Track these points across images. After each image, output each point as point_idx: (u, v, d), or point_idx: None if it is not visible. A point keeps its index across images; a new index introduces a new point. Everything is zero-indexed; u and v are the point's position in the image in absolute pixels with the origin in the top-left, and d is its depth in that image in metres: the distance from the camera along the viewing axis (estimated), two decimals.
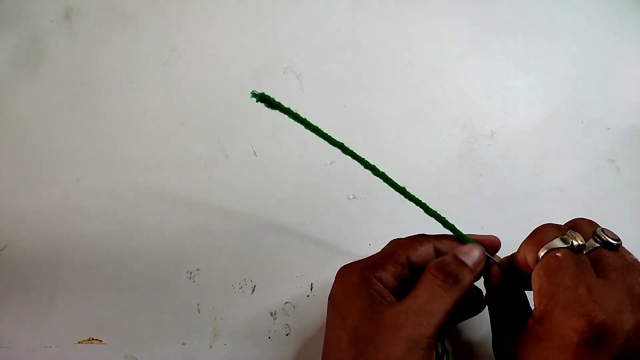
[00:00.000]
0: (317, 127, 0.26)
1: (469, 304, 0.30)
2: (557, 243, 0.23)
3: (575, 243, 0.23)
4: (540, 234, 0.25)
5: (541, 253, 0.24)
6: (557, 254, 0.23)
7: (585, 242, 0.24)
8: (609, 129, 0.42)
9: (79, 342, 0.36)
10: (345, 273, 0.28)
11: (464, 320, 0.33)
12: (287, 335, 0.36)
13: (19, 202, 0.40)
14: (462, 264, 0.26)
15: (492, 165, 0.41)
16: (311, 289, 0.37)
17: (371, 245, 0.38)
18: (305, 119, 0.26)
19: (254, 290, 0.37)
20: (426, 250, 0.28)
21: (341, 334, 0.25)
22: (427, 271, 0.26)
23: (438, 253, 0.28)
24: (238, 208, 0.40)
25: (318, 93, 0.44)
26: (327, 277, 0.38)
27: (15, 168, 0.41)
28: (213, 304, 0.37)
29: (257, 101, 0.24)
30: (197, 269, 0.38)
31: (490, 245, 0.29)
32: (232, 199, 0.40)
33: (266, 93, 0.24)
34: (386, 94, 0.44)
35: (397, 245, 0.28)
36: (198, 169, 0.41)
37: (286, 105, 0.25)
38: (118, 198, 0.40)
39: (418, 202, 0.28)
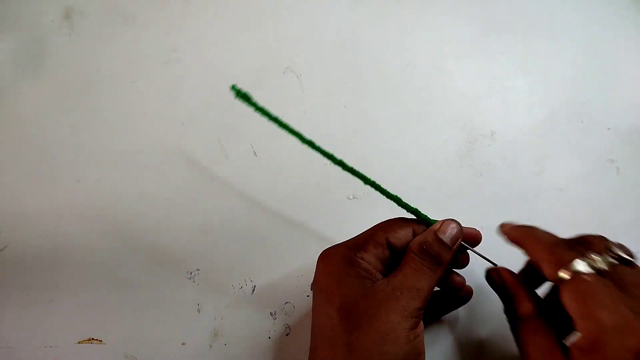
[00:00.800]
0: (300, 132, 0.26)
1: (453, 295, 0.32)
2: (580, 266, 0.23)
3: (602, 268, 0.24)
4: (559, 254, 0.25)
5: (563, 274, 0.24)
6: (587, 279, 0.23)
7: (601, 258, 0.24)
8: (609, 129, 0.42)
9: (79, 342, 0.36)
10: (328, 256, 0.28)
11: (449, 312, 0.35)
12: (287, 335, 0.36)
13: (19, 202, 0.40)
14: (443, 244, 0.27)
15: (492, 165, 0.41)
16: (311, 289, 0.37)
17: None
18: (287, 124, 0.26)
19: (254, 290, 0.37)
20: (405, 233, 0.29)
21: (330, 311, 0.26)
22: (411, 252, 0.27)
23: (416, 235, 0.29)
24: (238, 208, 0.40)
25: (318, 93, 0.44)
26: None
27: (16, 168, 0.41)
28: (213, 304, 0.37)
29: (235, 96, 0.24)
30: (197, 269, 0.38)
31: (471, 238, 0.30)
32: (232, 199, 0.40)
33: (249, 93, 0.25)
34: (386, 94, 0.44)
35: (377, 228, 0.29)
36: (198, 169, 0.41)
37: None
38: (118, 198, 0.40)
39: (385, 192, 0.29)
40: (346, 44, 0.45)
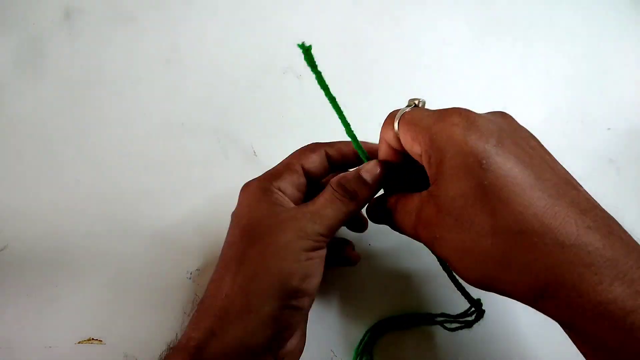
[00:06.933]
0: (348, 123, 0.29)
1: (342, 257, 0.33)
2: (405, 109, 0.27)
3: (416, 102, 0.28)
4: (389, 117, 0.28)
5: (396, 122, 0.27)
6: (407, 110, 0.27)
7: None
8: (609, 129, 0.42)
9: (79, 342, 0.36)
10: (247, 187, 0.30)
11: (339, 265, 0.35)
12: None
13: (19, 202, 0.40)
14: (363, 181, 0.28)
15: None
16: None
17: (371, 245, 0.38)
18: (340, 110, 0.29)
19: None
20: (319, 157, 0.30)
21: (235, 231, 0.28)
22: (329, 184, 0.28)
23: (330, 159, 0.31)
24: None
25: (318, 93, 0.44)
26: (326, 277, 0.38)
27: (16, 168, 0.41)
28: None
29: (302, 52, 0.24)
30: (197, 269, 0.38)
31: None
32: (232, 199, 0.40)
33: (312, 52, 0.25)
34: (386, 94, 0.44)
35: (292, 156, 0.30)
36: (198, 169, 0.41)
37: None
38: (118, 198, 0.40)
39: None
40: (346, 44, 0.45)
